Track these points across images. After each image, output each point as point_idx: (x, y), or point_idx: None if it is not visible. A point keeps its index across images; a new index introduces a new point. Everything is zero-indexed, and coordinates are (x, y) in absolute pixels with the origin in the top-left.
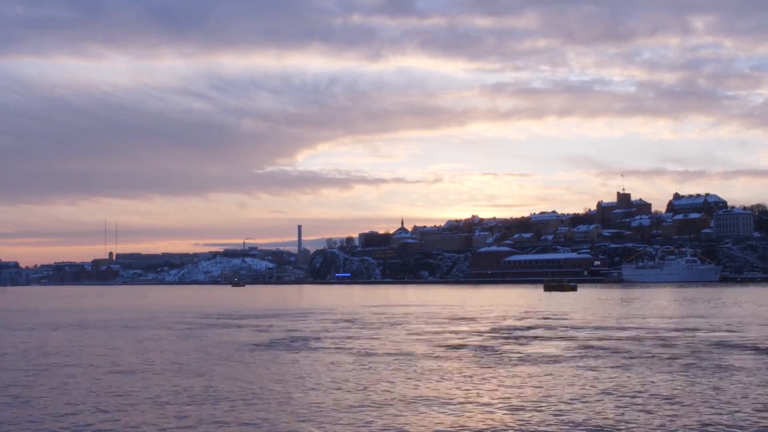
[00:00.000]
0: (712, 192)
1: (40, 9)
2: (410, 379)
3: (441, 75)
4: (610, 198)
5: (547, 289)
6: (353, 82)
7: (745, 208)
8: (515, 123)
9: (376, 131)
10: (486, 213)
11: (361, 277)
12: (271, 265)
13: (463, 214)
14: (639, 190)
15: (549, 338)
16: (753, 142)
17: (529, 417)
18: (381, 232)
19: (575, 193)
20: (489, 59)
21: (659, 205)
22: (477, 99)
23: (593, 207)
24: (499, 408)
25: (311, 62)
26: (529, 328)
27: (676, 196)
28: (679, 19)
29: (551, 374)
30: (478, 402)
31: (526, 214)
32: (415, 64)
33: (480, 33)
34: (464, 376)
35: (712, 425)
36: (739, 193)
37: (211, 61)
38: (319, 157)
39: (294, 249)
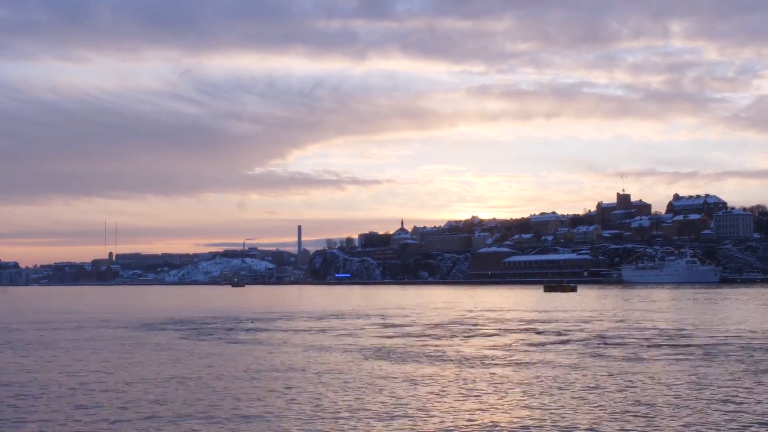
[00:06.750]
0: (703, 193)
1: (23, 12)
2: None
3: (426, 77)
4: (603, 198)
5: (547, 289)
6: (338, 84)
7: (744, 209)
8: (504, 124)
9: (365, 132)
10: (479, 214)
11: (361, 277)
12: (271, 266)
13: (455, 214)
14: (629, 191)
15: None
16: (740, 143)
17: None
18: (380, 232)
19: (566, 194)
20: (473, 62)
21: (656, 206)
22: (465, 101)
23: (585, 208)
24: None
25: (295, 65)
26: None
27: (676, 197)
28: (657, 22)
29: None
30: None
31: (521, 215)
32: (398, 67)
33: (461, 36)
34: None
35: None
36: (728, 195)
37: (195, 64)
38: (309, 159)
39: (294, 249)
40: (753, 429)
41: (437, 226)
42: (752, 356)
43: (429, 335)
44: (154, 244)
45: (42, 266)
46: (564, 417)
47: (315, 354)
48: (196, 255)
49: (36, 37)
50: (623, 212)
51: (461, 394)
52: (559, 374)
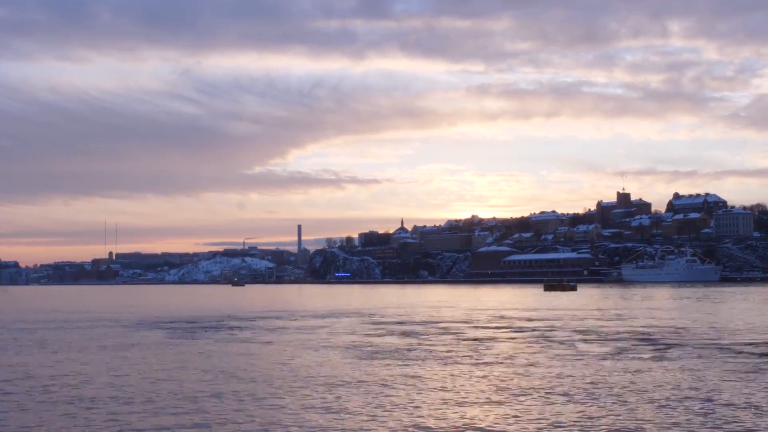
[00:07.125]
0: (703, 192)
1: (22, 12)
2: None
3: (425, 77)
4: (603, 197)
5: (547, 288)
6: (337, 83)
7: (744, 208)
8: (503, 124)
9: (364, 132)
10: (478, 213)
11: (360, 276)
12: (271, 265)
13: (455, 214)
14: (629, 190)
15: None
16: (740, 142)
17: None
18: (380, 232)
19: (566, 193)
20: (472, 61)
21: (656, 205)
22: (464, 100)
23: (585, 207)
24: None
25: (294, 64)
26: None
27: (676, 196)
28: (656, 22)
29: None
30: None
31: (520, 214)
32: (397, 66)
33: (460, 35)
34: None
35: None
36: (728, 194)
37: (194, 63)
38: (309, 158)
39: (294, 248)
40: (752, 428)
41: (437, 225)
42: (752, 355)
43: (426, 334)
44: (154, 244)
45: (42, 266)
46: (555, 415)
47: (310, 353)
48: (196, 254)
49: (35, 37)
50: (623, 211)
51: (455, 393)
52: (556, 373)
